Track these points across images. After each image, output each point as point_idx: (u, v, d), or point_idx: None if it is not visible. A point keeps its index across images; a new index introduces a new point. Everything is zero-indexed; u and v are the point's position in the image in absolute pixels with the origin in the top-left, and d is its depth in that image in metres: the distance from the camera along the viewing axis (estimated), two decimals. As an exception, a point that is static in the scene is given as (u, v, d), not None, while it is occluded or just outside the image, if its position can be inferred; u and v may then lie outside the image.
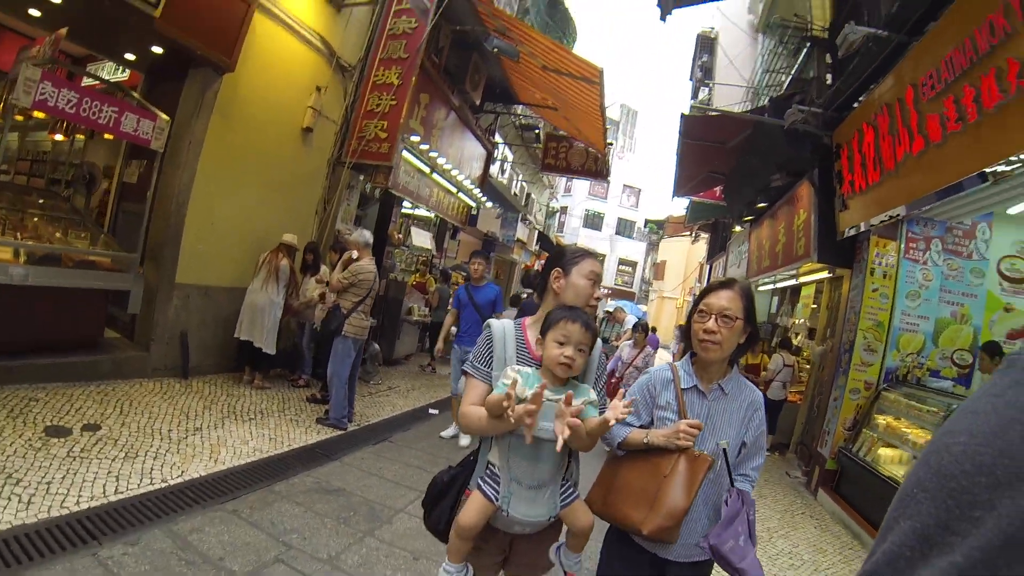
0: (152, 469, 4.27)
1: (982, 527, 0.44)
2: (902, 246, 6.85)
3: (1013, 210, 5.97)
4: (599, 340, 2.25)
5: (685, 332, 2.35)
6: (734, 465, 2.23)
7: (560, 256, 2.31)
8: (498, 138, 15.07)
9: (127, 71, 7.97)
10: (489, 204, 15.69)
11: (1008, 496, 0.43)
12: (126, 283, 5.98)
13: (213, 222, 6.87)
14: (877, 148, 5.78)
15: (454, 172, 11.31)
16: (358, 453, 5.63)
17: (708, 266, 21.56)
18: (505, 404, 1.82)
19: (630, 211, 43.63)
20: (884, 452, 6.08)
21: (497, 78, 12.04)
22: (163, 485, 4.09)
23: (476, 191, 13.00)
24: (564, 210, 39.08)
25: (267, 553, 3.52)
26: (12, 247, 5.25)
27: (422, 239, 13.77)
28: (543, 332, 2.10)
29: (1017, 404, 0.46)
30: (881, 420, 6.40)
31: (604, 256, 39.24)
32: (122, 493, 3.83)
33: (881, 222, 6.17)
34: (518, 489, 2.09)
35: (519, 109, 15.01)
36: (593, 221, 42.95)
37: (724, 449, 2.19)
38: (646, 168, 42.38)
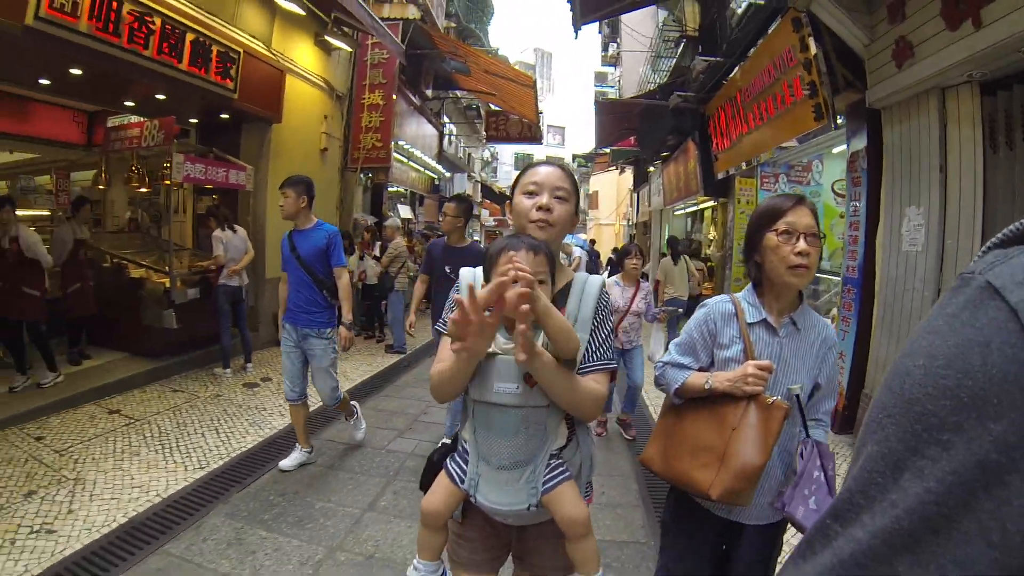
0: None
1: (952, 450, 0.43)
2: (758, 182, 10.00)
3: (836, 150, 9.07)
4: (592, 277, 1.83)
5: (750, 258, 2.03)
6: (807, 407, 2.00)
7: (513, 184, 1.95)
8: (444, 119, 17.81)
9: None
10: (448, 174, 18.60)
11: (974, 417, 0.42)
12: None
13: (277, 229, 9.52)
14: (727, 126, 8.92)
15: (418, 153, 14.18)
16: (425, 361, 8.60)
17: (636, 194, 24.50)
18: (456, 319, 1.42)
19: (557, 149, 46.20)
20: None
21: (443, 73, 14.77)
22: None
23: (436, 164, 15.93)
24: (495, 156, 41.75)
25: (417, 408, 6.51)
26: (169, 276, 7.82)
27: (405, 211, 16.54)
28: (487, 275, 1.73)
29: (975, 324, 0.45)
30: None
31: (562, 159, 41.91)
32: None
33: (738, 170, 9.33)
34: (486, 470, 1.74)
35: (460, 94, 17.75)
36: (523, 163, 45.04)
37: (797, 396, 1.93)
38: (566, 107, 44.89)
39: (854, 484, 0.49)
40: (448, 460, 1.84)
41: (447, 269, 4.77)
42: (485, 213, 29.40)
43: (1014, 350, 0.43)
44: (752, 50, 8.07)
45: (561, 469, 1.73)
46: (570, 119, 44.99)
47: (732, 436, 1.84)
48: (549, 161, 1.92)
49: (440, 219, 5.18)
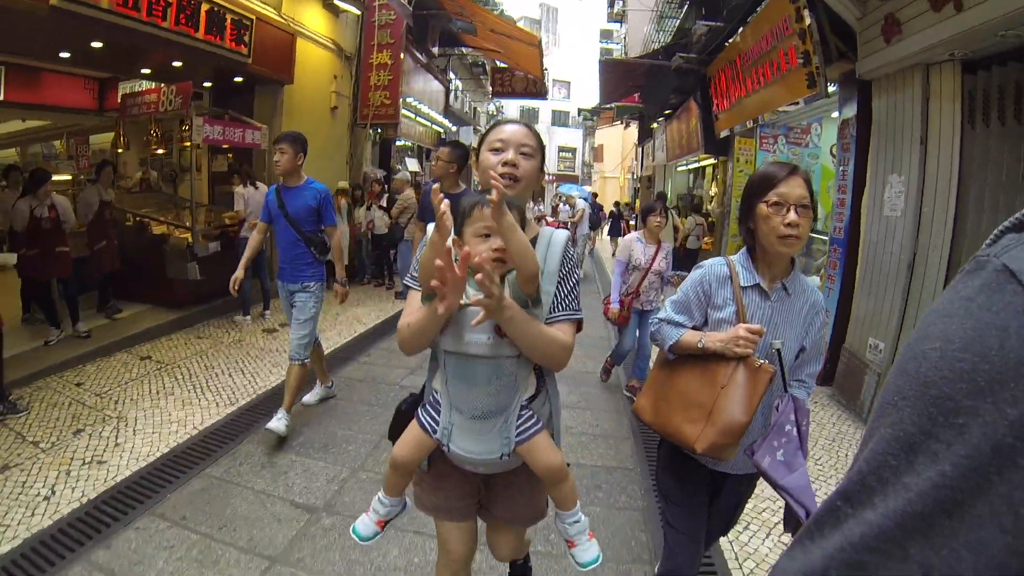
0: (338, 326, 7.51)
1: (967, 434, 0.43)
2: (757, 142, 10.24)
3: (835, 115, 9.31)
4: (557, 231, 1.90)
5: (744, 224, 2.11)
6: (791, 368, 2.08)
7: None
8: (451, 75, 17.90)
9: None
10: (454, 128, 18.83)
11: (990, 401, 0.42)
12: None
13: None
14: (727, 87, 9.14)
15: (425, 109, 14.43)
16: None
17: (640, 148, 24.63)
18: (436, 284, 1.46)
19: (563, 102, 45.73)
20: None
21: (449, 31, 14.87)
22: (355, 334, 7.49)
23: (442, 119, 16.21)
24: (500, 110, 41.58)
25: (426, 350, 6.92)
26: (192, 231, 8.18)
27: (413, 165, 16.79)
28: (458, 230, 1.70)
29: (991, 308, 0.45)
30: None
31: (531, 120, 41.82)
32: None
33: (740, 128, 9.59)
34: (459, 419, 1.77)
35: (466, 51, 17.81)
36: (529, 116, 44.73)
37: (778, 351, 1.99)
38: (572, 61, 44.23)
39: (866, 466, 0.49)
40: (419, 410, 1.89)
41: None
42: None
43: None
44: (752, 16, 8.25)
45: (534, 420, 1.80)
46: (576, 73, 44.40)
47: (720, 394, 1.91)
48: (515, 120, 1.96)
49: (432, 163, 4.79)
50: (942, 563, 0.42)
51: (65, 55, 7.84)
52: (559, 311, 1.77)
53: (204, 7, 6.98)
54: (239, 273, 4.61)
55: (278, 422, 4.34)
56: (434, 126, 16.21)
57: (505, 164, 1.80)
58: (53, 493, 3.60)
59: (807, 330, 2.09)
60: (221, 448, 4.31)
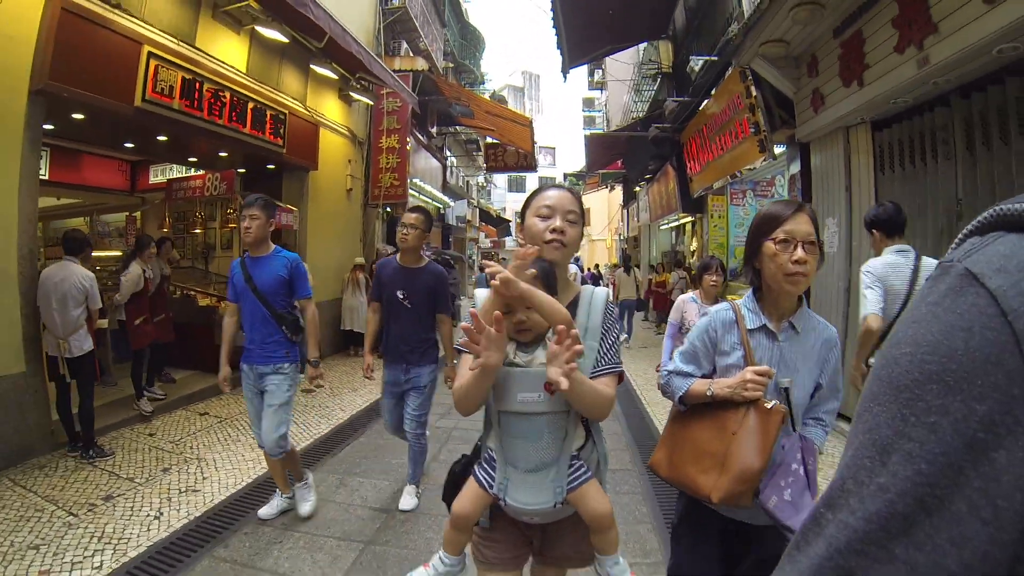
0: (350, 402, 8.50)
1: (939, 432, 0.44)
2: (728, 198, 11.55)
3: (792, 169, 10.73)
4: (598, 289, 2.00)
5: (749, 264, 2.06)
6: (808, 407, 2.07)
7: (523, 206, 2.04)
8: (447, 152, 19.43)
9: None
10: (451, 203, 20.24)
11: (960, 399, 0.44)
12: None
13: (316, 262, 11.02)
14: (698, 152, 10.52)
15: (427, 187, 15.78)
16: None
17: (626, 210, 26.25)
18: (467, 330, 1.63)
19: (549, 168, 46.88)
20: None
21: (445, 111, 16.40)
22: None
23: (441, 195, 17.55)
24: (489, 180, 43.05)
25: (451, 398, 7.92)
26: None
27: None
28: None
29: (956, 310, 0.47)
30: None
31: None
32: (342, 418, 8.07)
33: (709, 189, 10.92)
34: (514, 474, 1.85)
35: (460, 128, 19.38)
36: (516, 183, 45.88)
37: (785, 389, 1.97)
38: (556, 126, 45.81)
39: (845, 471, 0.50)
40: (476, 468, 1.95)
41: (399, 295, 4.24)
42: (482, 236, 31.15)
43: (995, 333, 0.45)
44: (714, 90, 9.66)
45: (584, 469, 1.86)
46: (560, 139, 46.26)
47: (732, 441, 1.89)
48: (559, 186, 2.02)
49: (400, 232, 4.24)
50: (927, 560, 0.43)
51: (129, 145, 9.06)
52: (602, 365, 1.85)
53: (251, 105, 8.24)
54: (224, 371, 4.10)
55: (279, 503, 4.31)
56: (433, 202, 17.53)
57: (553, 231, 1.87)
58: (161, 514, 4.25)
59: (822, 367, 2.04)
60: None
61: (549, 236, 1.88)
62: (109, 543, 3.82)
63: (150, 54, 6.34)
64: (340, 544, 3.95)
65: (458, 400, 1.85)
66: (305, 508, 4.28)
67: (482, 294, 1.93)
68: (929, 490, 0.44)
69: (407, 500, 4.45)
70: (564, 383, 1.55)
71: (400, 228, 4.29)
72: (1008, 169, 4.43)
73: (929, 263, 3.66)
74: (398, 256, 4.38)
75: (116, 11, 5.96)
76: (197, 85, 7.16)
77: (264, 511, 4.26)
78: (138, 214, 12.01)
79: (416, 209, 4.41)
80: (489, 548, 2.02)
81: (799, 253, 1.87)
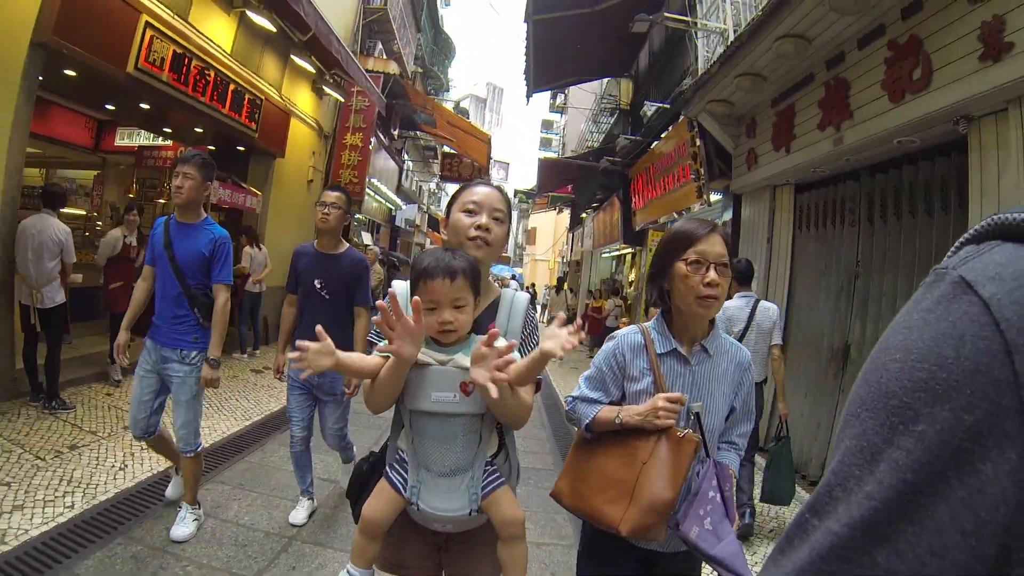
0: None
1: (926, 441, 0.44)
2: (667, 234, 12.42)
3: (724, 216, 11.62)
4: (519, 293, 1.97)
5: (656, 284, 1.97)
6: (720, 431, 2.00)
7: (449, 200, 1.98)
8: (404, 155, 19.91)
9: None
10: (404, 206, 20.71)
11: (948, 408, 0.44)
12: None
13: (274, 247, 11.30)
14: (643, 189, 11.34)
15: (382, 187, 16.25)
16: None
17: (571, 234, 27.10)
18: (379, 321, 1.58)
19: (501, 183, 47.77)
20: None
21: (409, 117, 16.92)
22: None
23: (395, 197, 18.02)
24: (441, 187, 43.48)
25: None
26: None
27: (366, 238, 18.46)
28: (413, 289, 1.75)
29: (948, 318, 0.46)
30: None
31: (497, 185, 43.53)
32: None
33: (652, 224, 11.74)
34: (428, 477, 1.78)
35: (420, 134, 19.95)
36: None
37: (697, 414, 1.90)
38: (513, 142, 47.08)
39: (833, 477, 0.50)
40: (388, 469, 1.86)
41: (316, 284, 3.86)
42: (428, 241, 31.57)
43: (986, 342, 0.44)
44: (664, 134, 10.47)
45: (497, 475, 1.81)
46: (515, 155, 47.58)
47: (642, 471, 1.82)
48: (487, 182, 1.98)
49: (320, 212, 3.82)
50: (907, 570, 0.43)
51: (110, 107, 9.30)
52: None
53: (231, 87, 8.56)
54: (121, 337, 3.68)
55: (184, 525, 3.66)
56: (387, 203, 17.98)
57: (478, 228, 1.82)
58: (126, 466, 4.51)
59: (736, 390, 1.99)
60: (252, 445, 5.47)
61: (473, 233, 1.82)
62: (79, 487, 4.08)
63: (147, 24, 6.58)
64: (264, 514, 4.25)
65: (368, 396, 1.79)
66: (183, 530, 3.63)
67: (401, 286, 1.93)
68: (913, 499, 0.44)
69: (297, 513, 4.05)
70: (493, 390, 1.52)
71: (319, 207, 3.86)
72: (897, 241, 5.25)
73: (765, 305, 4.59)
74: (315, 241, 4.02)
75: (121, -25, 6.17)
76: (186, 60, 7.42)
77: (176, 532, 3.63)
78: (96, 173, 12.09)
79: (336, 187, 4.11)
80: (395, 553, 1.96)
81: (711, 275, 1.81)
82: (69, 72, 6.80)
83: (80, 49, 5.89)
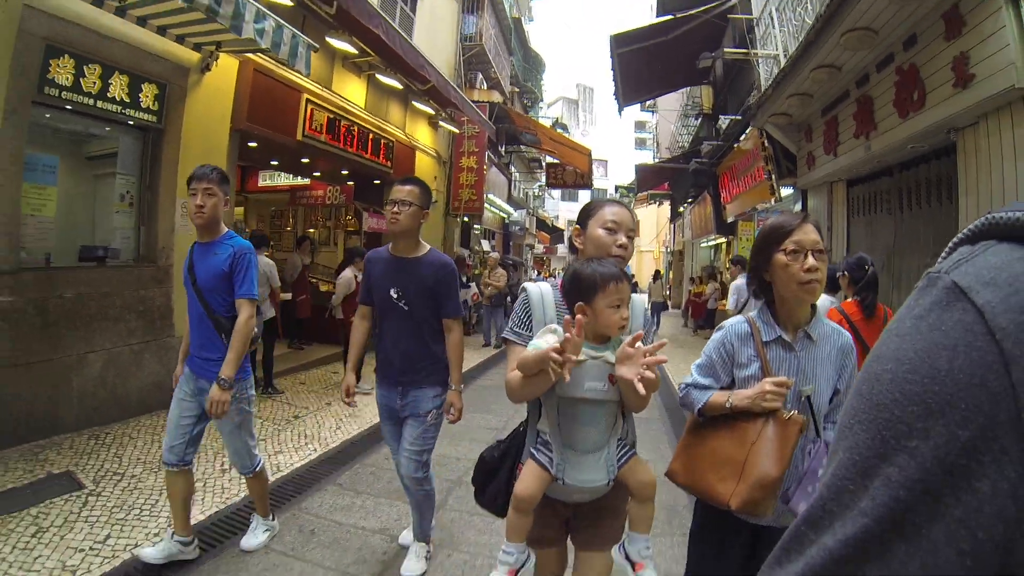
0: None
1: (920, 457, 0.42)
2: (755, 224, 13.51)
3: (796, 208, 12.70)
4: (635, 295, 2.12)
5: (756, 276, 2.07)
6: (826, 413, 2.07)
7: (582, 212, 2.20)
8: (512, 168, 21.79)
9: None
10: (515, 213, 22.61)
11: (942, 424, 0.42)
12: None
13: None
14: (729, 185, 12.63)
15: (498, 201, 18.15)
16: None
17: (672, 225, 28.49)
18: (553, 357, 1.70)
19: (601, 180, 46.48)
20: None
21: (513, 133, 18.73)
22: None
23: (507, 206, 19.91)
24: (544, 189, 44.04)
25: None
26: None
27: (485, 244, 20.44)
28: (582, 296, 1.92)
29: (941, 327, 0.45)
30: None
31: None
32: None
33: (741, 216, 13.00)
34: (572, 455, 1.99)
35: (523, 148, 21.82)
36: (570, 194, 45.31)
37: (808, 397, 1.98)
38: (609, 140, 46.01)
39: (826, 492, 0.49)
40: (533, 451, 2.04)
41: (393, 294, 3.24)
42: (537, 242, 33.43)
43: (980, 353, 0.42)
44: (743, 136, 11.72)
45: (627, 448, 2.09)
46: (612, 152, 47.11)
47: (751, 450, 1.89)
48: (619, 202, 2.23)
49: (390, 212, 3.12)
50: None
51: (274, 162, 11.60)
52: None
53: (370, 136, 10.52)
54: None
55: (255, 536, 3.59)
56: (500, 212, 19.88)
57: (619, 246, 2.06)
58: (340, 426, 6.07)
59: (839, 373, 2.05)
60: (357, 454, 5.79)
61: (616, 251, 2.05)
62: (313, 439, 5.65)
63: (307, 100, 8.49)
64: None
65: (515, 390, 1.98)
66: (253, 541, 3.56)
67: (536, 289, 2.09)
68: (907, 517, 0.43)
69: (412, 564, 3.39)
70: (640, 387, 1.71)
71: (389, 207, 3.18)
72: (919, 227, 6.47)
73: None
74: (389, 245, 3.37)
75: (285, 67, 7.60)
76: (336, 122, 9.35)
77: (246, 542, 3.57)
78: (241, 209, 14.35)
79: (409, 179, 3.32)
80: (534, 528, 2.06)
81: (810, 261, 1.88)
82: (252, 144, 8.69)
83: (265, 129, 7.75)
